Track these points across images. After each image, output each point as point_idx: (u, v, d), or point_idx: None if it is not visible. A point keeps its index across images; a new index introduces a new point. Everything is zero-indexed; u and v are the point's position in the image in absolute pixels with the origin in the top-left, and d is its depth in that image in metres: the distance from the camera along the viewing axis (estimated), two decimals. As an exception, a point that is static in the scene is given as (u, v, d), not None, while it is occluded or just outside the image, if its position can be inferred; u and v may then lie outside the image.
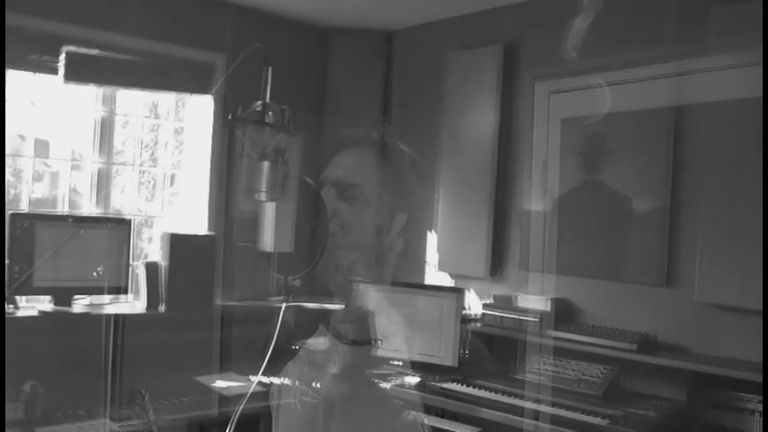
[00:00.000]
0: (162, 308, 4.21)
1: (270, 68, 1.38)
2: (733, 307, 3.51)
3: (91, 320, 3.98)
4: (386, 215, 1.67)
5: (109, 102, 4.49)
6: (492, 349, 4.27)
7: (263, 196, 1.34)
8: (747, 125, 3.49)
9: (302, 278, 1.59)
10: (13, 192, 4.19)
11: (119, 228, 4.20)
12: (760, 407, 3.27)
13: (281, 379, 1.75)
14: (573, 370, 3.77)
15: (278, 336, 1.79)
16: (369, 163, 1.64)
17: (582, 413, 3.36)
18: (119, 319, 4.01)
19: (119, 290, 4.18)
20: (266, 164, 1.33)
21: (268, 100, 1.37)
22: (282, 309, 1.67)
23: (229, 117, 1.30)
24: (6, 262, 3.73)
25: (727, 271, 3.52)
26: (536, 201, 4.33)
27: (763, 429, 2.99)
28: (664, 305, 3.81)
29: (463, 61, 4.77)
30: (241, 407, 1.65)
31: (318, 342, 1.67)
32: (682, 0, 3.74)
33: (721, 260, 3.55)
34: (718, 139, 3.60)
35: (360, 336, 1.61)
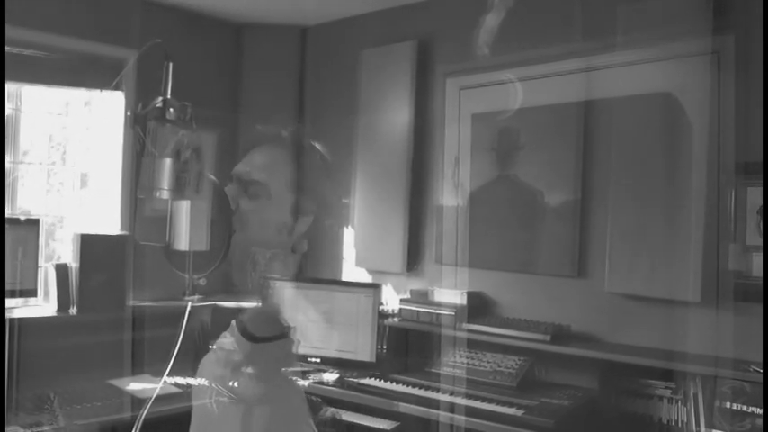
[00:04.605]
0: (73, 310, 4.10)
1: (171, 64, 1.35)
2: (641, 296, 3.61)
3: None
4: (289, 216, 1.66)
5: (14, 98, 4.34)
6: (408, 343, 4.29)
7: (164, 194, 1.31)
8: (654, 119, 3.59)
9: (210, 276, 1.56)
10: None
11: (26, 228, 4.06)
12: (668, 393, 3.37)
13: (197, 379, 1.73)
14: (488, 362, 3.82)
15: (195, 335, 1.77)
16: (279, 162, 1.63)
17: (497, 404, 3.41)
18: (27, 322, 3.89)
19: (27, 293, 4.05)
20: (168, 161, 1.29)
21: (170, 96, 1.34)
22: (188, 308, 1.64)
23: (128, 114, 1.27)
24: None
25: (635, 262, 3.62)
26: (449, 196, 4.37)
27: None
28: (576, 296, 3.89)
29: (376, 58, 4.78)
30: (147, 407, 1.62)
31: (228, 340, 1.65)
32: (589, -2, 3.84)
33: (630, 251, 3.65)
34: (626, 132, 3.70)
35: (270, 331, 1.60)
